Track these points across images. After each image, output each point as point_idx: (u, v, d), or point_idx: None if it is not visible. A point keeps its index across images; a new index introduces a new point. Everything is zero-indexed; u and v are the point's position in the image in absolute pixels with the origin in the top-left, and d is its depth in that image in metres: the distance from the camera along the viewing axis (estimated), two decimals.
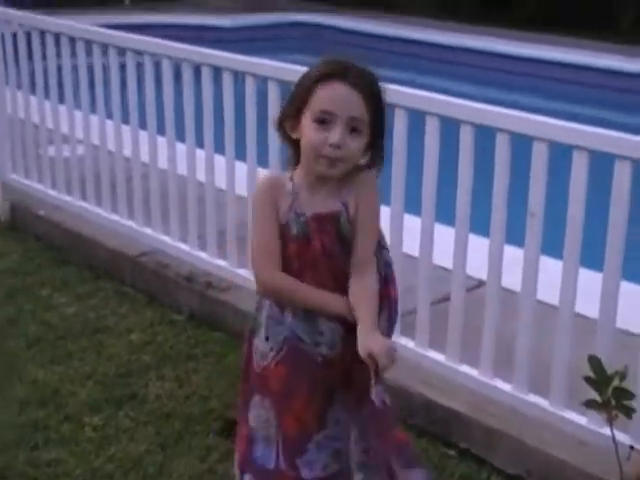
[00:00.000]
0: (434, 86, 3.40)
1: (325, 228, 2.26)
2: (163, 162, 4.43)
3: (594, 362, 2.33)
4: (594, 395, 2.33)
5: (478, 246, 3.34)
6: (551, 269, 3.19)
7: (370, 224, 2.30)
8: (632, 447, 2.73)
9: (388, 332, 2.36)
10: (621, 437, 2.73)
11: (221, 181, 4.17)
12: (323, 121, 2.18)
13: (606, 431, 2.54)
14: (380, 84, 2.26)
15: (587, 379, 2.32)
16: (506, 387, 3.26)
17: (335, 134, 2.17)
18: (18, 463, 3.14)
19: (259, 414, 2.36)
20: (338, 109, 2.17)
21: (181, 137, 4.30)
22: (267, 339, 2.32)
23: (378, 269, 2.32)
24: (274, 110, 3.76)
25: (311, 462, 2.34)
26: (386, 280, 2.35)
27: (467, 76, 10.85)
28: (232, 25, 12.84)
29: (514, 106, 3.20)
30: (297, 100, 2.24)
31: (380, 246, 2.36)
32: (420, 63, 11.28)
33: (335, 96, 2.18)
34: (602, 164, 2.89)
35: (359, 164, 2.29)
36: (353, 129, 2.19)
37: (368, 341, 2.16)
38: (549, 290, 3.15)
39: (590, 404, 2.35)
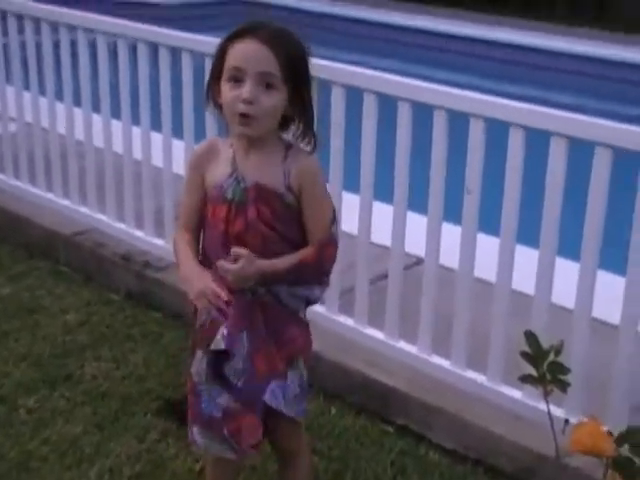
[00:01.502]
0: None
1: (268, 201, 2.24)
2: (99, 140, 4.36)
3: (530, 337, 2.35)
4: (531, 370, 2.35)
5: (417, 224, 3.35)
6: (489, 247, 3.21)
7: (320, 208, 2.30)
8: (567, 421, 2.76)
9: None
10: (557, 411, 2.77)
11: (158, 159, 4.12)
12: (236, 79, 2.16)
13: (542, 405, 2.57)
14: (300, 45, 2.22)
15: (523, 354, 2.33)
16: (444, 363, 3.29)
17: (246, 89, 2.15)
18: None
19: (200, 369, 2.36)
20: (247, 64, 2.15)
21: (117, 114, 4.24)
22: None
23: (334, 243, 2.33)
24: None
25: None
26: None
27: (401, 55, 10.83)
28: (168, 2, 12.63)
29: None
30: (215, 64, 2.24)
31: (335, 220, 2.36)
32: (367, 43, 11.24)
33: (245, 51, 2.16)
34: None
35: (296, 144, 2.28)
36: (268, 85, 2.16)
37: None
38: (487, 267, 3.17)
39: (526, 379, 2.36)
